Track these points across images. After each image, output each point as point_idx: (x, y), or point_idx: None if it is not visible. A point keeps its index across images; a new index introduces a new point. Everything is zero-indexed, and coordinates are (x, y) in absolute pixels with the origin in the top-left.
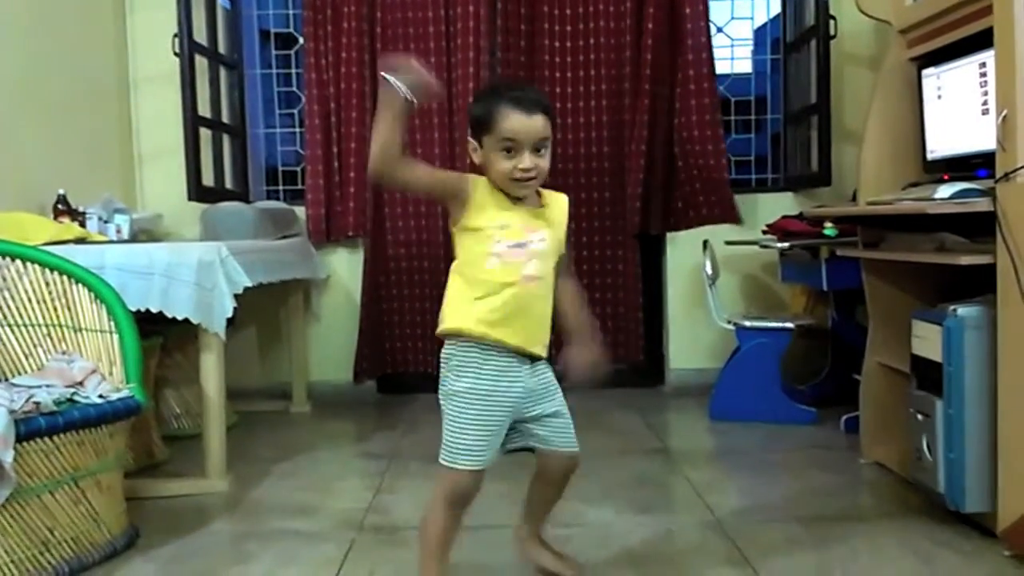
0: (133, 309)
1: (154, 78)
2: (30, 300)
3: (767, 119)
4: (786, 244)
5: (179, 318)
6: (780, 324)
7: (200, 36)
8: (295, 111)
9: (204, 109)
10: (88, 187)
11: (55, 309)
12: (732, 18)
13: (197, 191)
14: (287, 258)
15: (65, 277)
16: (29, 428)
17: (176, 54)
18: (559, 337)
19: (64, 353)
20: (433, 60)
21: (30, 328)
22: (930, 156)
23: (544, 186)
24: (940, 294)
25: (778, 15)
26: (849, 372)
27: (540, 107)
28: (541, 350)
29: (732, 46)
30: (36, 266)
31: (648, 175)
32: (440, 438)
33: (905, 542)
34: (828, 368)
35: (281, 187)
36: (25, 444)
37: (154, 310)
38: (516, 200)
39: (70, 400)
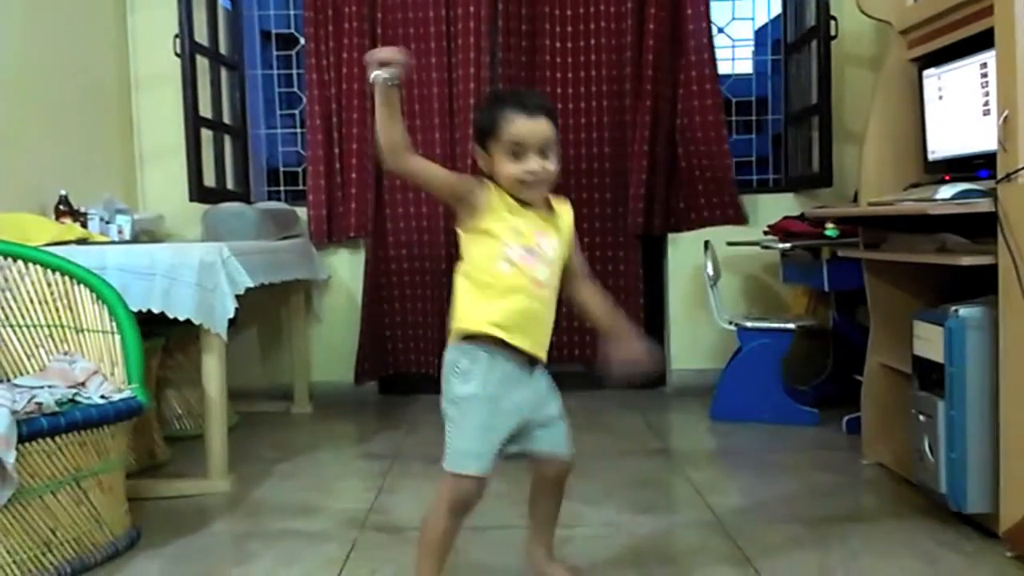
0: (135, 310)
1: (155, 79)
2: (32, 301)
3: (768, 120)
4: (787, 245)
5: (181, 319)
6: (781, 325)
7: (201, 37)
8: (296, 112)
9: (205, 110)
10: (89, 188)
11: (57, 310)
12: (733, 19)
13: (198, 192)
14: (288, 259)
15: (67, 278)
16: (31, 429)
17: (177, 55)
18: (593, 338)
19: (66, 354)
20: (434, 60)
21: (32, 329)
22: (931, 157)
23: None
24: (941, 295)
25: (779, 16)
26: (851, 373)
27: (544, 110)
28: (544, 355)
29: (733, 47)
30: (38, 267)
31: (651, 176)
32: (441, 439)
33: (907, 543)
34: (829, 369)
35: (282, 188)
36: (27, 445)
37: (156, 311)
38: (527, 205)
39: (72, 401)
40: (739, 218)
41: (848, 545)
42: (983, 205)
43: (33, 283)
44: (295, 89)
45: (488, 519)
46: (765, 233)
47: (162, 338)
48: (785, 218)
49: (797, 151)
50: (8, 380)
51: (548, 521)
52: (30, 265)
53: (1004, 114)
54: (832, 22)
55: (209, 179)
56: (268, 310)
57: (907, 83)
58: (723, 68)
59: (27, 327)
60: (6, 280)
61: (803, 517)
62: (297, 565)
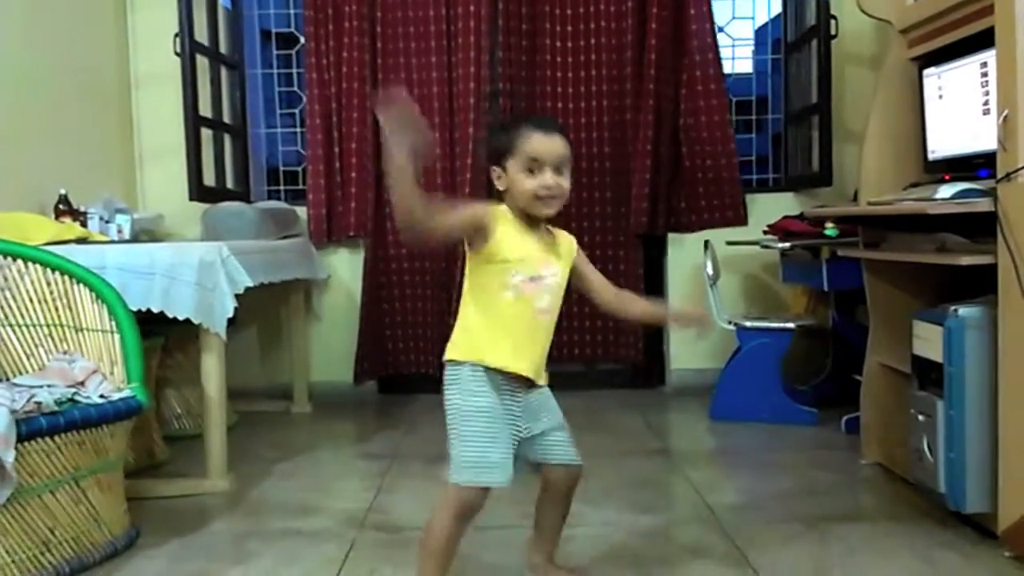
0: (134, 309)
1: (155, 78)
2: (31, 300)
3: (768, 119)
4: (787, 244)
5: (180, 318)
6: (781, 324)
7: (201, 36)
8: (296, 111)
9: (205, 109)
10: (89, 187)
11: (56, 309)
12: (733, 18)
13: (198, 191)
14: (288, 258)
15: (66, 277)
16: (30, 428)
17: (177, 54)
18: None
19: (65, 353)
20: (434, 60)
21: (31, 328)
22: (931, 156)
23: None
24: (941, 294)
25: (779, 15)
26: (850, 372)
27: (559, 130)
28: (544, 379)
29: (733, 46)
30: (37, 266)
31: (654, 176)
32: (440, 438)
33: (906, 543)
34: (829, 368)
35: (282, 187)
36: (26, 444)
37: (155, 310)
38: (534, 231)
39: (71, 400)
40: (739, 219)
41: (847, 545)
42: (983, 205)
43: (33, 282)
44: (295, 88)
45: (486, 518)
46: (765, 232)
47: (161, 337)
48: (785, 217)
49: (797, 150)
50: (7, 379)
51: (553, 528)
52: (30, 264)
53: (1004, 113)
54: (832, 21)
55: (209, 178)
56: (268, 309)
57: (907, 82)
58: (723, 65)
59: (26, 326)
60: (5, 279)
61: (802, 516)
62: (296, 564)
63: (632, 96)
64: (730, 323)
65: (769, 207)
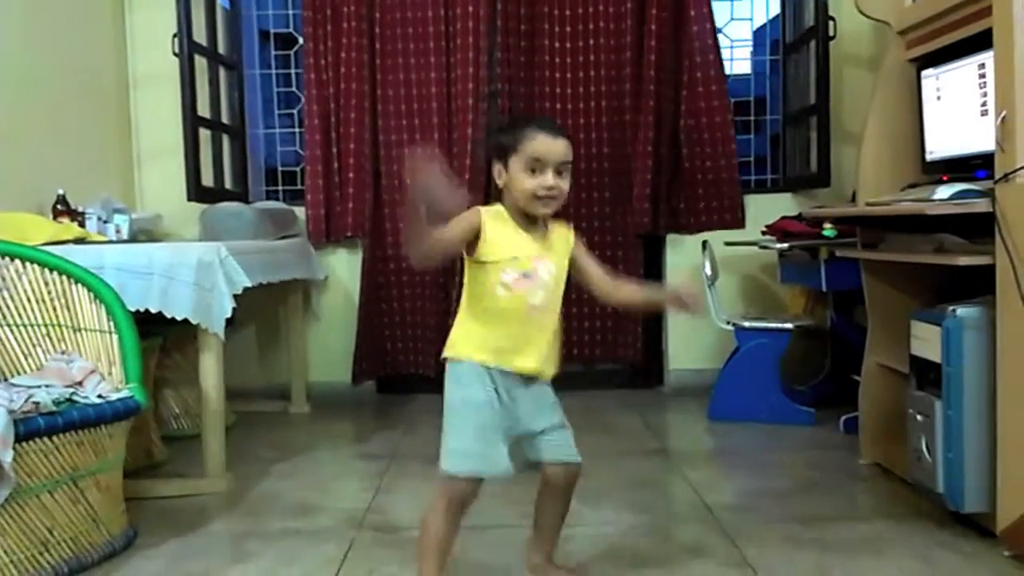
0: (132, 309)
1: (154, 78)
2: (29, 300)
3: (766, 120)
4: (785, 245)
5: (178, 318)
6: (779, 325)
7: (200, 36)
8: (295, 111)
9: (204, 109)
10: (87, 187)
11: (54, 309)
12: (731, 19)
13: (196, 191)
14: (286, 258)
15: (64, 277)
16: (28, 428)
17: (175, 54)
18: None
19: (63, 353)
20: (432, 60)
21: (29, 328)
22: (929, 157)
23: None
24: (939, 295)
25: (777, 16)
26: (848, 373)
27: (563, 133)
28: (547, 371)
29: (731, 47)
30: (35, 266)
31: (655, 176)
32: (439, 438)
33: (904, 542)
34: (827, 369)
35: (280, 187)
36: (24, 444)
37: (153, 310)
38: (530, 229)
39: (69, 400)
40: (737, 223)
41: (845, 545)
42: (981, 205)
43: (31, 282)
44: (294, 89)
45: (485, 518)
46: (763, 233)
47: (160, 337)
48: (783, 218)
49: (795, 151)
50: (5, 379)
51: (553, 528)
52: (28, 264)
53: (1002, 114)
54: (831, 22)
55: (207, 179)
56: (266, 310)
57: (905, 83)
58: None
59: (24, 326)
60: (3, 279)
61: (800, 516)
62: (295, 565)
63: (631, 96)
64: (728, 323)
65: (767, 208)
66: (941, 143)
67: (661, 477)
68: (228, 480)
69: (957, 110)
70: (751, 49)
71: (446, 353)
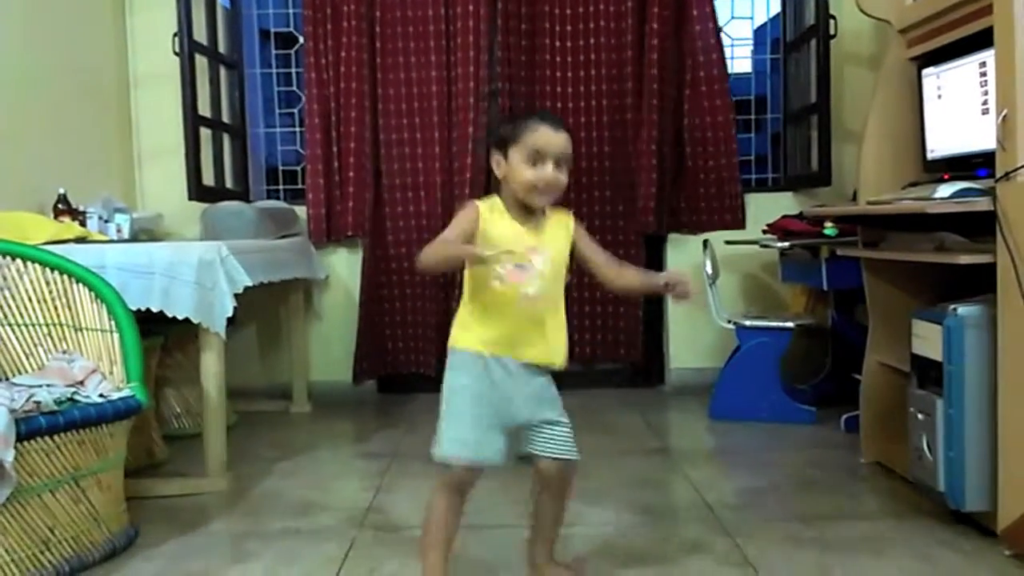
0: (134, 308)
1: (154, 77)
2: (31, 299)
3: (767, 119)
4: (786, 244)
5: (179, 317)
6: (780, 324)
7: (200, 35)
8: (295, 110)
9: (204, 108)
10: (88, 187)
11: (56, 308)
12: (732, 17)
13: (197, 190)
14: (287, 257)
15: (66, 276)
16: (30, 427)
17: (176, 53)
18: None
19: (65, 352)
20: (433, 59)
21: (31, 327)
22: (930, 155)
23: None
24: (940, 293)
25: (778, 15)
26: (849, 371)
27: (564, 127)
28: (546, 359)
29: (732, 46)
30: (36, 265)
31: (660, 176)
32: None
33: (905, 541)
34: (828, 368)
35: (281, 186)
36: (26, 443)
37: (155, 309)
38: (525, 217)
39: (71, 399)
40: (737, 223)
41: (846, 544)
42: (982, 204)
43: (32, 282)
44: (294, 88)
45: (486, 518)
46: (764, 232)
47: (161, 337)
48: (784, 217)
49: (796, 150)
50: (7, 379)
51: (552, 523)
52: (29, 264)
53: (1003, 113)
54: (831, 21)
55: (208, 178)
56: (267, 309)
57: (906, 82)
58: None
59: (26, 326)
60: (5, 279)
61: (801, 515)
62: (296, 564)
63: (632, 96)
64: (729, 322)
65: (768, 207)
66: (942, 142)
67: (662, 476)
68: (229, 479)
69: (958, 109)
70: (752, 48)
71: (449, 343)
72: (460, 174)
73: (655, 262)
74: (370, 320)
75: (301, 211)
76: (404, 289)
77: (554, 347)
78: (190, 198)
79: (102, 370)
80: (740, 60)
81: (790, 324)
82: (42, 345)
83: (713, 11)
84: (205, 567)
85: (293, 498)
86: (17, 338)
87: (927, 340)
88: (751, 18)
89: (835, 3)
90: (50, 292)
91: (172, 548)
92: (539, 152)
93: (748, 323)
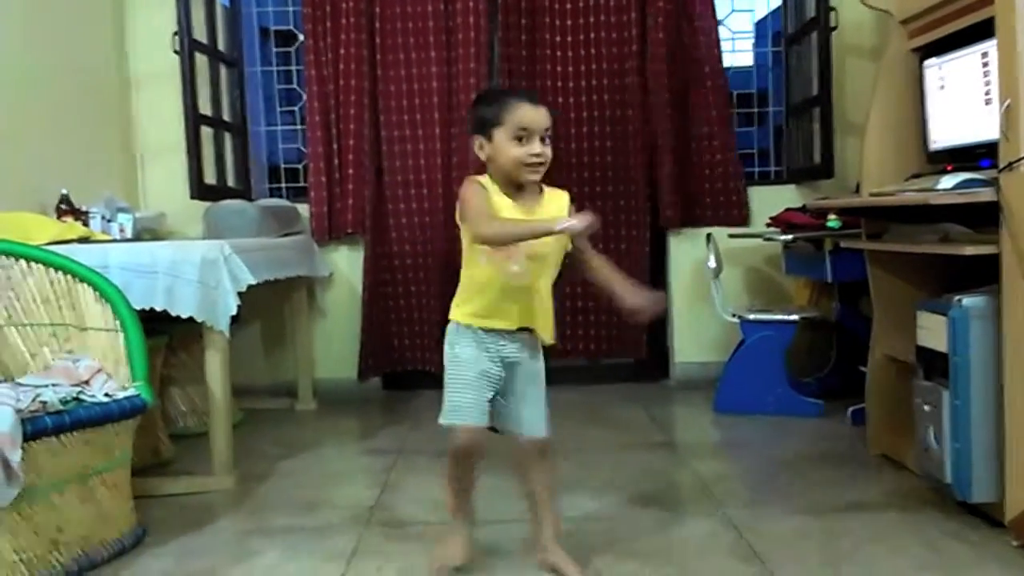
0: (138, 308)
1: (154, 77)
2: (35, 300)
3: (769, 112)
4: (790, 237)
5: (183, 316)
6: (785, 317)
7: (200, 34)
8: (296, 108)
9: (205, 107)
10: (90, 186)
11: (60, 308)
12: (733, 11)
13: (199, 189)
14: (290, 255)
15: (69, 276)
16: (36, 427)
17: (176, 52)
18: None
19: (70, 352)
20: (433, 55)
21: (35, 328)
22: (933, 147)
23: (545, 179)
24: (945, 285)
25: (779, 7)
26: (855, 364)
27: (543, 101)
28: (535, 326)
29: (733, 39)
30: (40, 266)
31: (661, 171)
32: (446, 434)
33: (913, 533)
34: (833, 360)
35: (283, 184)
36: (32, 443)
37: (159, 309)
38: (515, 195)
39: (76, 399)
40: (742, 218)
41: (853, 536)
42: (985, 195)
43: (36, 282)
44: (295, 86)
45: (484, 514)
46: (767, 225)
47: (165, 336)
48: (787, 210)
49: (798, 143)
50: (12, 379)
51: (542, 500)
52: (33, 264)
53: (1006, 103)
54: (832, 13)
55: (210, 177)
56: (271, 307)
57: (908, 73)
58: (724, 60)
59: (30, 326)
60: (9, 279)
61: (808, 508)
62: (302, 560)
63: (634, 91)
64: (734, 316)
65: (771, 200)
66: (945, 133)
67: (667, 470)
68: (235, 477)
69: (960, 99)
70: (753, 41)
71: (450, 314)
72: (461, 170)
73: (658, 255)
74: (374, 317)
75: (303, 209)
76: (408, 286)
77: (529, 317)
78: (192, 197)
79: (107, 370)
80: (741, 53)
81: (794, 317)
82: (47, 345)
83: (712, 4)
84: (212, 564)
85: (299, 495)
86: (22, 339)
87: (932, 331)
88: (752, 11)
89: None
90: (54, 292)
91: (179, 546)
92: (525, 129)
93: (752, 316)
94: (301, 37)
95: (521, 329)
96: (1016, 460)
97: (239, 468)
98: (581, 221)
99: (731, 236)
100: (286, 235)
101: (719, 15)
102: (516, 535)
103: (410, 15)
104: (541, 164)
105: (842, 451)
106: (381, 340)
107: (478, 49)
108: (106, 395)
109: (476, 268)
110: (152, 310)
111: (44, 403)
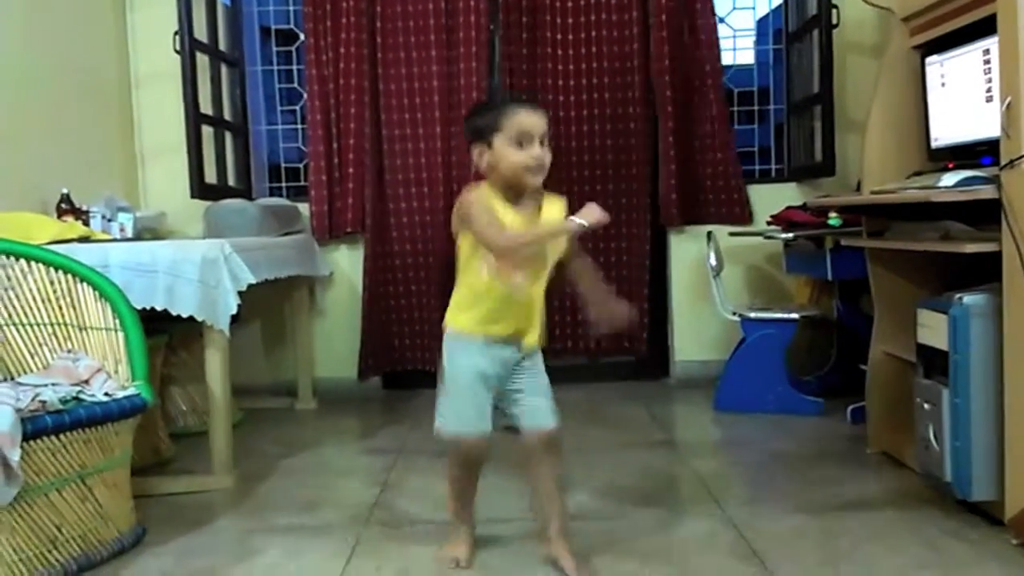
0: (138, 307)
1: (155, 76)
2: (35, 299)
3: (770, 109)
4: (790, 235)
5: (184, 315)
6: (785, 315)
7: (201, 33)
8: (297, 107)
9: (206, 106)
10: (91, 186)
11: (60, 308)
12: (734, 8)
13: (200, 189)
14: (290, 255)
15: (70, 276)
16: (35, 427)
17: (177, 52)
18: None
19: (70, 351)
20: (434, 53)
21: (35, 327)
22: (934, 144)
23: (546, 177)
24: (945, 283)
25: (780, 5)
26: (855, 362)
27: (543, 100)
28: (530, 335)
29: (735, 36)
30: (41, 265)
31: (662, 169)
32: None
33: (912, 531)
34: (834, 358)
35: (284, 184)
36: (32, 442)
37: (159, 308)
38: (516, 203)
39: (76, 398)
40: (744, 217)
41: (853, 534)
42: (986, 192)
43: (36, 281)
44: (295, 85)
45: (485, 512)
46: (768, 223)
47: (165, 335)
48: (788, 208)
49: (799, 140)
50: (12, 378)
51: (548, 494)
52: (33, 263)
53: (1007, 101)
54: (833, 10)
55: (210, 176)
56: (271, 306)
57: (909, 70)
58: (725, 58)
59: (30, 325)
60: (9, 279)
61: (808, 507)
62: (302, 560)
63: (636, 89)
64: (734, 314)
65: (772, 198)
66: (946, 130)
67: (667, 468)
68: (235, 477)
69: (962, 97)
70: (754, 39)
71: (444, 323)
72: (462, 169)
73: (658, 254)
74: (375, 317)
75: (304, 208)
76: (409, 286)
77: (527, 323)
78: (193, 196)
79: (107, 369)
80: (743, 51)
81: (795, 315)
82: (47, 344)
83: (712, 2)
84: (212, 564)
85: (299, 495)
86: (22, 338)
87: (933, 329)
88: (753, 9)
89: None
90: (54, 292)
91: (179, 545)
92: (526, 133)
93: (753, 315)
94: (302, 36)
95: (518, 333)
96: (1016, 458)
97: (239, 467)
98: (592, 216)
99: (732, 234)
100: (286, 234)
101: (720, 13)
102: (516, 534)
103: (411, 14)
104: (542, 167)
105: (842, 449)
106: (381, 339)
107: (479, 48)
108: (106, 394)
109: (475, 279)
110: (152, 309)
111: (44, 402)
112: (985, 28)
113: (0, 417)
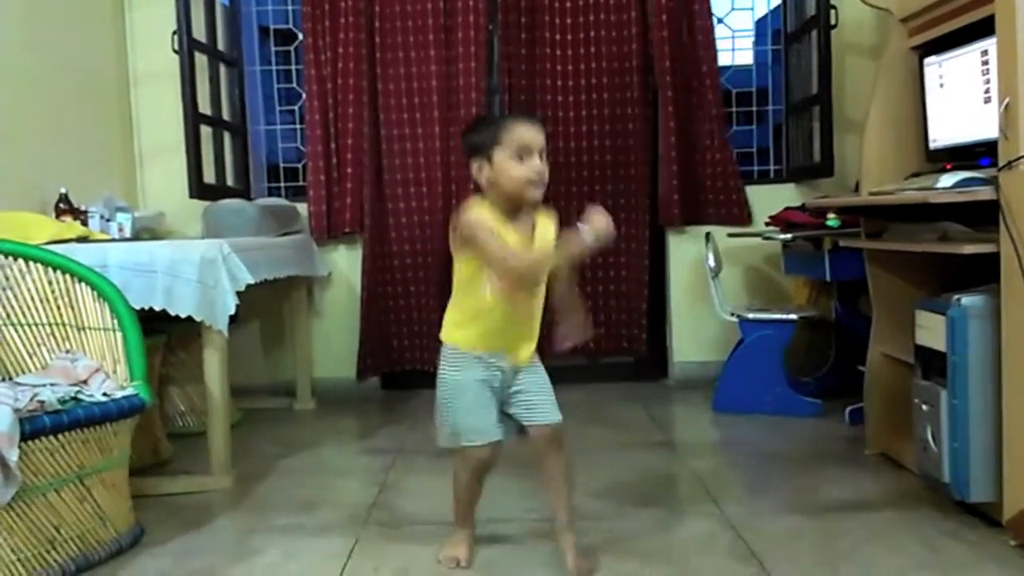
0: (136, 307)
1: (154, 76)
2: (33, 299)
3: (769, 110)
4: (789, 236)
5: (182, 316)
6: (783, 316)
7: (199, 33)
8: (295, 108)
9: (204, 106)
10: (89, 186)
11: (58, 308)
12: (732, 9)
13: (198, 188)
14: (289, 255)
15: (68, 276)
16: (34, 427)
17: (176, 51)
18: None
19: (68, 352)
20: (432, 53)
21: (34, 327)
22: (932, 145)
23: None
24: (944, 284)
25: (779, 6)
26: (853, 363)
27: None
28: (526, 348)
29: (733, 37)
30: (39, 265)
31: (661, 170)
32: None
33: (911, 532)
34: (832, 359)
35: (282, 184)
36: (30, 443)
37: (157, 308)
38: (515, 218)
39: (74, 398)
40: (743, 218)
41: (852, 535)
42: (985, 193)
43: (34, 281)
44: (294, 85)
45: (488, 512)
46: (766, 224)
47: (164, 335)
48: (786, 209)
49: (798, 141)
50: (10, 378)
51: (557, 488)
52: (31, 263)
53: (1005, 102)
54: (832, 11)
55: (209, 176)
56: (270, 306)
57: (908, 71)
58: (723, 59)
59: (29, 325)
60: (7, 279)
61: (806, 508)
62: (300, 560)
63: (635, 89)
64: (733, 315)
65: (770, 198)
66: (944, 131)
67: (666, 469)
68: (234, 477)
69: (960, 98)
70: (753, 39)
71: (441, 336)
72: (460, 169)
73: (657, 255)
74: (373, 317)
75: (302, 208)
76: (408, 286)
77: (524, 339)
78: (191, 196)
79: (105, 369)
80: (741, 52)
81: (793, 316)
82: (45, 345)
83: (709, 3)
84: (211, 564)
85: (297, 495)
86: (20, 338)
87: (931, 331)
88: (752, 9)
89: None
90: (53, 292)
91: (178, 545)
92: (526, 147)
93: (751, 316)
94: (300, 36)
95: (516, 346)
96: (1014, 459)
97: (237, 467)
98: (601, 225)
99: (730, 235)
100: (285, 234)
101: (719, 13)
102: (516, 533)
103: (409, 14)
104: (543, 181)
105: (840, 450)
106: (380, 340)
107: (478, 48)
108: (104, 394)
109: (478, 299)
110: (151, 309)
111: (42, 402)
112: (983, 29)
113: None
